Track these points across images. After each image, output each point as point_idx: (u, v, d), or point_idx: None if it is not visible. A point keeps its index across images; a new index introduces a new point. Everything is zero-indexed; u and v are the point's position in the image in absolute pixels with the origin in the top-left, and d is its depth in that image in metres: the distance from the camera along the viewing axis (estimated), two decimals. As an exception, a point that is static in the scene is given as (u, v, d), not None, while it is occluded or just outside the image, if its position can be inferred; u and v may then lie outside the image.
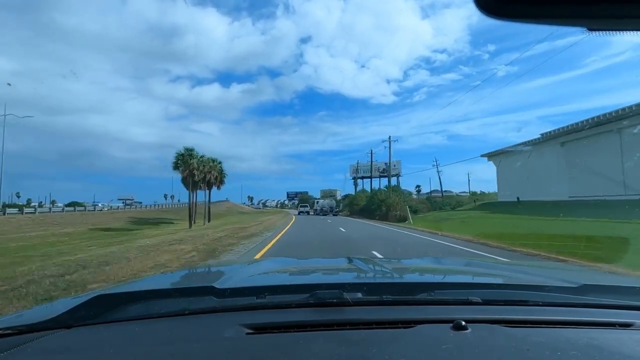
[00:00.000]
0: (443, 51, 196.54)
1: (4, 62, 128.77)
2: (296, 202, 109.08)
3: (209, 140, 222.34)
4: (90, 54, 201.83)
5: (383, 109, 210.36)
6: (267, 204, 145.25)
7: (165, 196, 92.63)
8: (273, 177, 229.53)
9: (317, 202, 56.30)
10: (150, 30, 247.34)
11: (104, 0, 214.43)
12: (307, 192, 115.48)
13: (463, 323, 0.82)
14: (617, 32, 0.57)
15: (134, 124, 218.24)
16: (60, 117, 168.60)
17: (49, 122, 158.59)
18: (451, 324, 0.83)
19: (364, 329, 0.85)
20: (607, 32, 0.56)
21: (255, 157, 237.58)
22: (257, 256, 8.92)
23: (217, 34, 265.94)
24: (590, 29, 0.56)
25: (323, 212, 47.94)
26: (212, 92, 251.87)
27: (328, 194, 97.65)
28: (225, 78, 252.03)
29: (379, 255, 8.38)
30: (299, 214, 51.77)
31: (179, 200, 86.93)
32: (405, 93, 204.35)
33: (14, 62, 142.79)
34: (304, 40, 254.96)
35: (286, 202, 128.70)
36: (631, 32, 0.56)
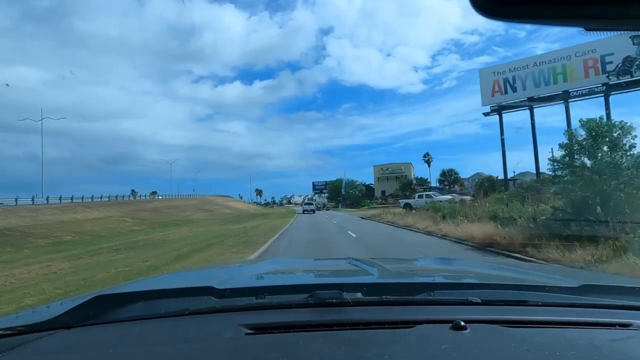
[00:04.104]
0: (473, 32, 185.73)
1: (35, 72, 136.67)
2: (326, 195, 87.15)
3: (236, 139, 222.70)
4: (115, 60, 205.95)
5: (411, 99, 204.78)
6: (291, 200, 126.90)
7: (133, 192, 64.91)
8: (303, 174, 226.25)
9: (316, 200, 63.70)
10: (170, 32, 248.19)
11: (124, 4, 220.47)
12: (340, 179, 78.20)
13: (462, 323, 0.82)
14: (615, 32, 0.57)
15: (163, 126, 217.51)
16: (96, 123, 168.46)
17: (85, 128, 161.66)
18: (450, 324, 0.82)
19: (363, 329, 0.86)
20: (605, 32, 0.56)
21: (283, 155, 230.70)
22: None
23: (236, 31, 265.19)
24: (588, 29, 0.55)
25: (318, 208, 54.57)
26: (234, 91, 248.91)
27: (394, 171, 62.59)
28: (246, 75, 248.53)
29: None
30: (303, 212, 46.21)
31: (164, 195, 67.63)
32: (435, 80, 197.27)
33: (46, 72, 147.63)
34: (325, 31, 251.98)
35: (314, 196, 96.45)
36: (629, 32, 0.57)
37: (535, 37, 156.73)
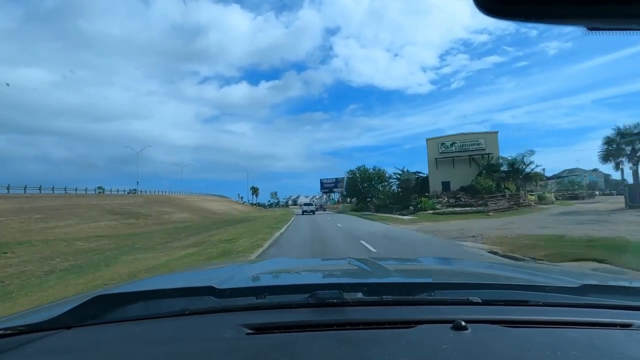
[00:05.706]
0: (483, 31, 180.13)
1: (43, 74, 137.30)
2: (337, 194, 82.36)
3: (243, 140, 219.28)
4: (121, 61, 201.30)
5: (419, 100, 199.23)
6: (297, 201, 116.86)
7: (100, 187, 55.25)
8: (311, 175, 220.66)
9: (314, 202, 67.25)
10: (176, 33, 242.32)
11: (129, 5, 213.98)
12: (365, 169, 53.99)
13: (463, 323, 0.82)
14: (617, 31, 0.56)
15: (170, 127, 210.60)
16: (103, 124, 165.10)
17: (92, 129, 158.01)
18: (451, 324, 0.83)
19: (364, 329, 0.86)
20: (607, 32, 0.56)
21: (290, 156, 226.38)
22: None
23: (241, 30, 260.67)
24: (590, 29, 0.55)
25: (316, 209, 54.88)
26: (240, 91, 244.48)
27: (466, 147, 38.25)
28: (252, 76, 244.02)
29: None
30: (302, 213, 46.05)
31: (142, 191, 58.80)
32: (443, 81, 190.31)
33: (52, 73, 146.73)
34: (332, 31, 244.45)
35: (319, 197, 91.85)
36: (632, 31, 0.56)
37: (547, 36, 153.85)
